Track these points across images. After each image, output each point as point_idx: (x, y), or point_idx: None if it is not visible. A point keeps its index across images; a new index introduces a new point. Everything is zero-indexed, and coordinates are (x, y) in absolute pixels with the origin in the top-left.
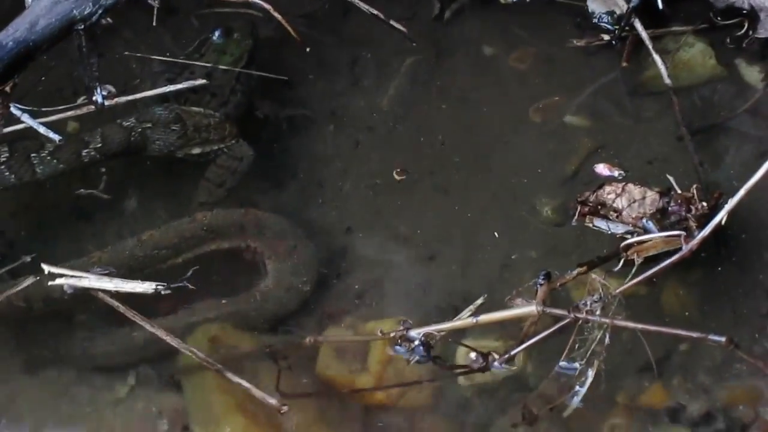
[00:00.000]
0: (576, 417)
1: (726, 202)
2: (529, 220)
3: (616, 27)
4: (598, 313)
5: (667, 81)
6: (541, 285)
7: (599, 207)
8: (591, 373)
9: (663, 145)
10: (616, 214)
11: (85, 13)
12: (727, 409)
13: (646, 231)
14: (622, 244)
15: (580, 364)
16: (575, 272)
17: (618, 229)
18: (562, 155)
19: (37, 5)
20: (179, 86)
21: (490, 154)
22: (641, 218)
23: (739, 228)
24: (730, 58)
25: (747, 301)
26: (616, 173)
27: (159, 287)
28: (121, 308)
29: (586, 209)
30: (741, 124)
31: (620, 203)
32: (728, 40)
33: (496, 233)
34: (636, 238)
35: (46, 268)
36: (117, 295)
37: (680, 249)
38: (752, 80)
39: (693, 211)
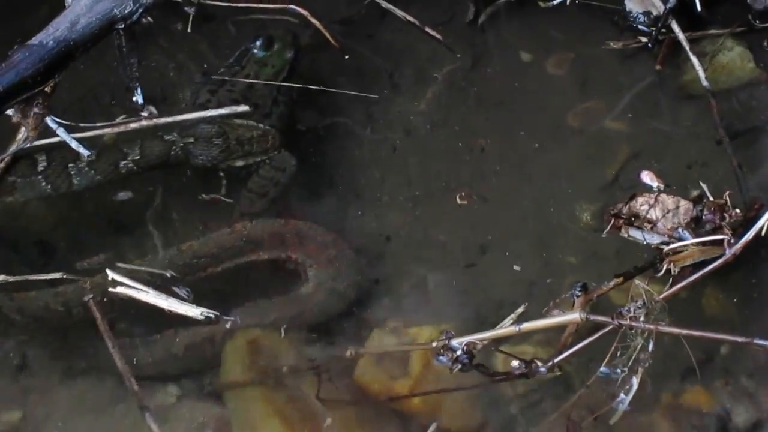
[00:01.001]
0: (620, 424)
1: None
2: (568, 227)
3: (653, 29)
4: (642, 319)
5: (705, 84)
6: (578, 296)
7: (633, 218)
8: (636, 380)
9: (702, 149)
10: (650, 225)
11: (126, 12)
12: None
13: (682, 241)
14: (664, 252)
15: (623, 371)
16: (612, 283)
17: (654, 239)
18: (601, 160)
19: (77, 4)
20: (221, 112)
21: (529, 160)
22: (676, 228)
23: None
24: None
25: None
26: (655, 184)
27: (209, 315)
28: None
29: (620, 222)
30: None
31: (654, 214)
32: (766, 43)
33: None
34: (675, 245)
35: (111, 274)
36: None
37: (717, 257)
38: None
39: (727, 219)
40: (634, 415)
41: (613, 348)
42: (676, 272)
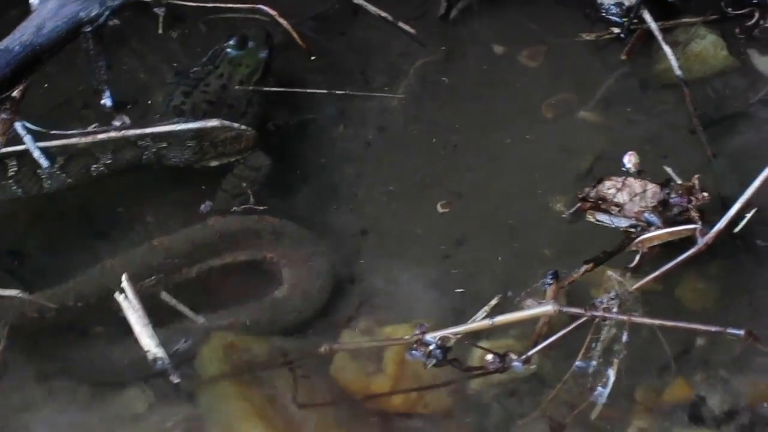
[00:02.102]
0: (599, 418)
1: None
2: (543, 218)
3: (625, 19)
4: (615, 310)
5: (679, 73)
6: (549, 285)
7: (600, 202)
8: (612, 373)
9: (676, 138)
10: (618, 209)
11: (92, 14)
12: (751, 406)
13: (650, 224)
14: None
15: (598, 363)
16: (582, 269)
17: (621, 222)
18: (575, 152)
19: (43, 8)
20: (190, 125)
21: (503, 152)
22: (644, 211)
23: (755, 219)
24: (742, 48)
25: (765, 293)
26: (630, 166)
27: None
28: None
29: (588, 205)
30: (755, 114)
31: (622, 197)
32: (739, 31)
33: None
34: (648, 235)
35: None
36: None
37: (689, 238)
38: (765, 70)
39: (695, 201)
40: (611, 408)
41: (587, 340)
42: (645, 251)
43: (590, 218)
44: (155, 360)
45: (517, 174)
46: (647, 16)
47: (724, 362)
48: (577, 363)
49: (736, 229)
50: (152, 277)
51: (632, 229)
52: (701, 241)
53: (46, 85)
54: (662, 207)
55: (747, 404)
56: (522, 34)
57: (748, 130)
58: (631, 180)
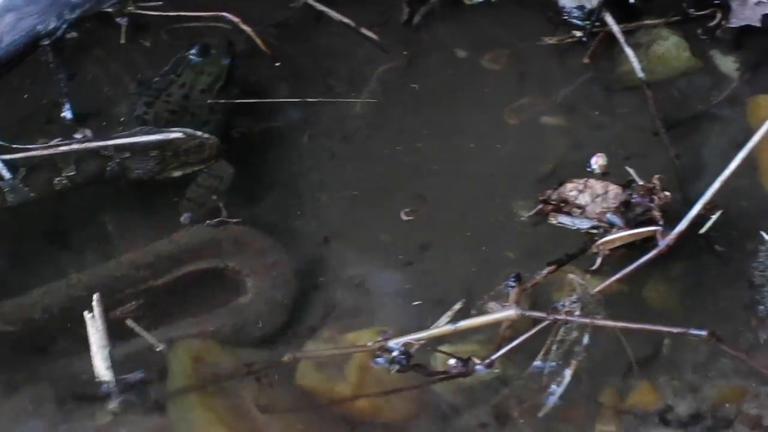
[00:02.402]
0: (563, 419)
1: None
2: (507, 222)
3: (587, 22)
4: (577, 313)
5: (641, 75)
6: (512, 287)
7: (562, 204)
8: (568, 373)
9: (640, 140)
10: (580, 211)
11: (50, 28)
12: (715, 408)
13: (612, 225)
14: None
15: (558, 364)
16: (545, 271)
17: (583, 224)
18: (539, 156)
19: (0, 22)
20: (151, 138)
21: (467, 157)
22: (606, 213)
23: (719, 219)
24: (705, 49)
25: (729, 294)
26: (596, 167)
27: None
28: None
29: (549, 208)
30: (718, 114)
31: (583, 199)
32: (701, 32)
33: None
34: (614, 236)
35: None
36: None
37: (650, 238)
38: (727, 70)
39: (657, 201)
40: (574, 410)
41: (548, 343)
42: (606, 253)
43: (552, 220)
44: (102, 382)
45: (481, 179)
46: (609, 18)
47: (690, 364)
48: (536, 363)
49: (701, 231)
50: (132, 303)
51: (594, 231)
52: (663, 243)
53: (8, 98)
54: (624, 208)
55: (711, 406)
56: (484, 39)
57: (711, 131)
58: (592, 181)
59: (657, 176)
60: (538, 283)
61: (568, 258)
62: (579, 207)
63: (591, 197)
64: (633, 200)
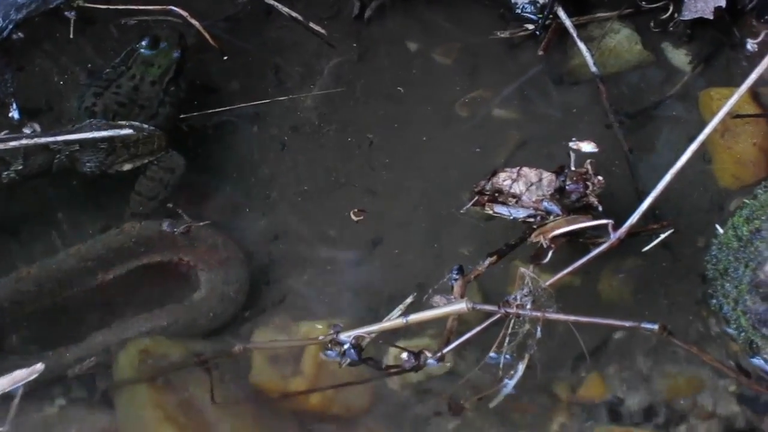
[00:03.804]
0: (517, 410)
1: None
2: (458, 217)
3: (540, 16)
4: (528, 306)
5: (594, 69)
6: (456, 280)
7: (497, 194)
8: (521, 366)
9: (593, 133)
10: (515, 200)
11: None
12: (668, 402)
13: (548, 212)
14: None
15: (511, 357)
16: (486, 262)
17: (520, 213)
18: (491, 149)
19: None
20: (103, 134)
21: (419, 151)
22: (542, 200)
23: (671, 212)
24: (657, 42)
25: (681, 287)
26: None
27: None
28: None
29: (485, 198)
30: (670, 108)
31: (518, 188)
32: (653, 24)
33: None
34: (567, 229)
35: None
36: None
37: (590, 228)
38: (679, 63)
39: (590, 187)
40: (528, 401)
41: (501, 336)
42: (547, 244)
43: (488, 210)
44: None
45: (433, 172)
46: (561, 12)
47: (641, 356)
48: (490, 355)
49: (645, 249)
50: (92, 359)
51: (531, 219)
52: (614, 236)
53: None
54: (559, 195)
55: (663, 400)
56: (436, 32)
57: (664, 124)
58: (526, 170)
59: (588, 161)
60: (480, 274)
61: (508, 248)
62: (514, 196)
63: (525, 186)
64: (567, 187)
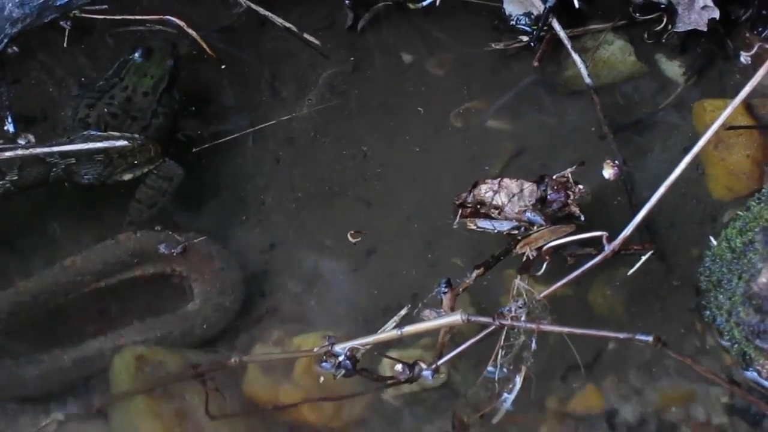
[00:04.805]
0: (511, 423)
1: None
2: (453, 228)
3: (534, 28)
4: (523, 318)
5: (588, 80)
6: (445, 293)
7: (479, 207)
8: (519, 379)
9: (587, 144)
10: (497, 211)
11: None
12: (659, 412)
13: (531, 223)
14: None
15: (508, 370)
16: (474, 275)
17: (503, 226)
18: (485, 160)
19: None
20: (98, 145)
21: (413, 162)
22: (524, 211)
23: (664, 224)
24: (650, 53)
25: (674, 298)
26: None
27: None
28: None
29: (467, 211)
30: (664, 119)
31: (500, 200)
32: (647, 36)
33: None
34: (559, 241)
35: None
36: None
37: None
38: (673, 75)
39: (572, 196)
40: (524, 413)
41: (497, 348)
42: (534, 255)
43: (471, 225)
44: None
45: (427, 183)
46: (556, 24)
47: (635, 368)
48: (489, 368)
49: (630, 272)
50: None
51: (515, 231)
52: (608, 248)
53: None
54: (541, 205)
55: (655, 410)
56: (430, 44)
57: (657, 135)
58: (507, 181)
59: (570, 169)
60: (468, 287)
61: (495, 260)
62: (496, 208)
63: (507, 197)
64: (549, 196)
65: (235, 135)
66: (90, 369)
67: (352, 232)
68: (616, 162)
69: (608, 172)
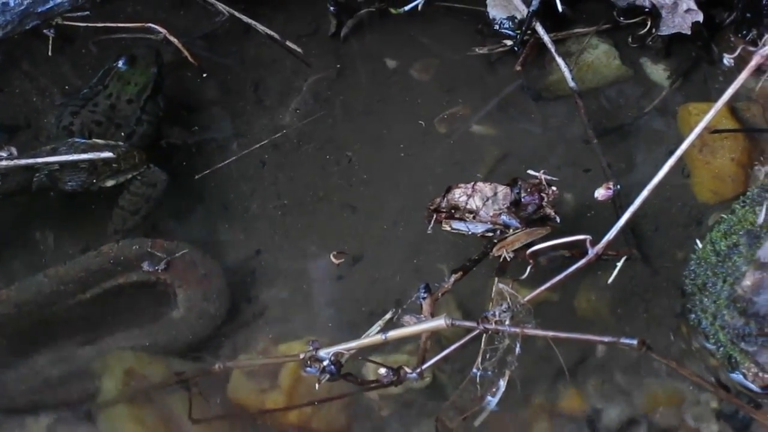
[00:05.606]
0: (498, 427)
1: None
2: (438, 233)
3: (518, 32)
4: (507, 322)
5: (572, 84)
6: (424, 298)
7: (453, 211)
8: (503, 383)
9: (571, 149)
10: (472, 215)
11: None
12: (647, 414)
13: (507, 226)
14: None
15: (492, 373)
16: (452, 279)
17: (478, 228)
18: (469, 165)
19: None
20: (82, 157)
21: (397, 167)
22: (499, 214)
23: (650, 227)
24: (635, 57)
25: (660, 301)
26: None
27: None
28: None
29: (442, 216)
30: (649, 123)
31: (474, 203)
32: (631, 40)
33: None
34: (541, 245)
35: None
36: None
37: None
38: (657, 78)
39: (546, 198)
40: (509, 417)
41: (481, 352)
42: (511, 257)
43: (446, 227)
44: None
45: (412, 188)
46: (539, 28)
47: (621, 370)
48: (474, 371)
49: (609, 281)
50: None
51: (490, 234)
52: (592, 252)
53: None
54: (515, 207)
55: (643, 412)
56: (414, 49)
57: (642, 139)
58: (480, 184)
59: (541, 171)
60: (447, 291)
61: (472, 263)
62: (471, 212)
63: (482, 200)
64: (523, 199)
65: (228, 161)
66: (75, 379)
67: (335, 253)
68: (612, 185)
69: (600, 193)
